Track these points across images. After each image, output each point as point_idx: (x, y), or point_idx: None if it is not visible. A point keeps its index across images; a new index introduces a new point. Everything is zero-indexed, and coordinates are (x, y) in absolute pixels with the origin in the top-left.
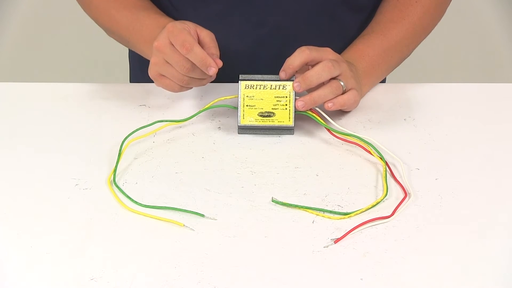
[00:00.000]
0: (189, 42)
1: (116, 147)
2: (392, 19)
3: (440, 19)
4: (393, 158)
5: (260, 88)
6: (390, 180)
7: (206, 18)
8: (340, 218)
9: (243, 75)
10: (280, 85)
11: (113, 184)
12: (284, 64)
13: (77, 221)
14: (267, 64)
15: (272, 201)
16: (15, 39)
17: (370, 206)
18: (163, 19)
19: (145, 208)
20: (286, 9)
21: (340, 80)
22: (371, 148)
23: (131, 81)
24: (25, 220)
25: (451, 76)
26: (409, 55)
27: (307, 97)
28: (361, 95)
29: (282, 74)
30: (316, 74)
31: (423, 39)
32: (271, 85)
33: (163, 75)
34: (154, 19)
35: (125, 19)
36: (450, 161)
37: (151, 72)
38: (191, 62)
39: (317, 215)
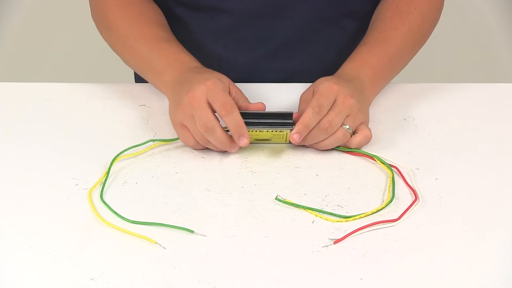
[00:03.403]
0: (230, 105)
1: (116, 147)
2: (393, 26)
3: (435, 27)
4: (394, 163)
5: (255, 131)
6: (397, 185)
7: (214, 32)
8: (340, 221)
9: None
10: (276, 130)
11: (101, 201)
12: (300, 124)
13: (77, 221)
14: (274, 76)
15: (276, 199)
16: (17, 39)
17: (369, 213)
18: (184, 55)
19: (133, 224)
20: (293, 23)
21: (344, 124)
22: (377, 159)
23: (136, 81)
24: (25, 220)
25: (451, 76)
26: (408, 63)
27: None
28: (368, 105)
29: (296, 136)
30: (317, 135)
31: (421, 47)
32: (267, 130)
33: (186, 126)
34: (174, 53)
35: (143, 49)
36: (450, 161)
37: (177, 118)
38: (215, 124)
39: (320, 217)
